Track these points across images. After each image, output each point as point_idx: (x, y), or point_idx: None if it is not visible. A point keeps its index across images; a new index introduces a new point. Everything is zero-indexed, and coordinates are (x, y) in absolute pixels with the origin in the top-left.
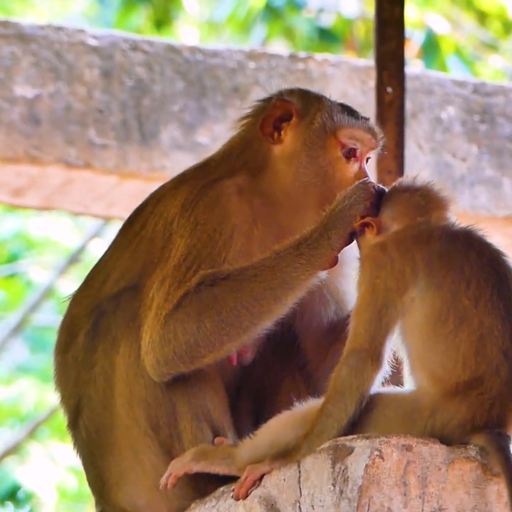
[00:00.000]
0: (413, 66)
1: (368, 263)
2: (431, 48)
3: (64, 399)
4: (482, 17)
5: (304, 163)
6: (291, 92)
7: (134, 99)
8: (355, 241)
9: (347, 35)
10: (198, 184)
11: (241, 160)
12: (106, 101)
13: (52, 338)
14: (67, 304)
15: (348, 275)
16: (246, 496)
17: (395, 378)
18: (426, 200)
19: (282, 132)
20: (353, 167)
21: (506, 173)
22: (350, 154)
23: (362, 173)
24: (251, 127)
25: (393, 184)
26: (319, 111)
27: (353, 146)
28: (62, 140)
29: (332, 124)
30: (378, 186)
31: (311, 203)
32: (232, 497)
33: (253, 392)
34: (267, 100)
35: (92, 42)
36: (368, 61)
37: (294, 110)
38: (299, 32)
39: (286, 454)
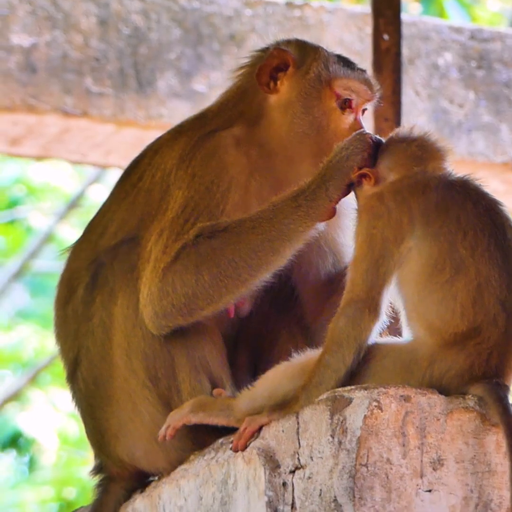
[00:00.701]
0: (412, 9)
1: (365, 213)
2: None
3: (64, 352)
4: None
5: (299, 113)
6: (288, 42)
7: (131, 47)
8: (352, 193)
9: None
10: (195, 135)
11: (237, 110)
12: (103, 49)
13: (52, 283)
14: (66, 257)
15: (345, 226)
16: (244, 447)
17: (393, 328)
18: (422, 150)
19: (278, 82)
20: (348, 118)
21: (503, 119)
22: (346, 105)
23: (357, 124)
24: (247, 77)
25: (390, 134)
26: (315, 61)
27: (348, 97)
28: (59, 88)
29: (328, 74)
30: (375, 137)
31: (306, 153)
32: (231, 448)
33: (251, 344)
34: (264, 50)
35: None
36: (365, 7)
37: (290, 59)
38: None
39: (284, 406)
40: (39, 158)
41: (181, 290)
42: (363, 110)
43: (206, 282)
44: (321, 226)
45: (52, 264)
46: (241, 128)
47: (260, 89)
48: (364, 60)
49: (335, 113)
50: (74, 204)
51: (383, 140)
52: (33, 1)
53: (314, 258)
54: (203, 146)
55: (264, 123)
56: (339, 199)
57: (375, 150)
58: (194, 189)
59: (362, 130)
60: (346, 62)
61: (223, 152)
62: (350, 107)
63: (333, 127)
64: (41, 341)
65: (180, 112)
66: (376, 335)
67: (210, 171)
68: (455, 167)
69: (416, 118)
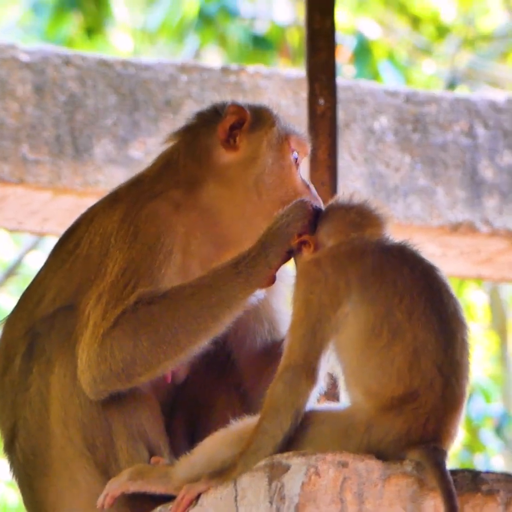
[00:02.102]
0: (346, 72)
1: (303, 279)
2: (362, 54)
3: (1, 422)
4: (415, 21)
5: (266, 168)
6: (233, 102)
7: (67, 114)
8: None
9: (281, 42)
10: (135, 200)
11: (181, 172)
12: (39, 116)
13: None
14: (2, 327)
15: (280, 293)
16: None
17: (331, 393)
18: (361, 217)
19: (237, 139)
20: (298, 173)
21: (439, 182)
22: (296, 161)
23: (304, 181)
24: (191, 138)
25: (330, 201)
26: (273, 117)
27: (297, 153)
28: None
29: (284, 130)
30: (315, 205)
31: (265, 210)
32: None
33: (188, 410)
34: (206, 112)
35: (24, 57)
36: (300, 72)
37: (247, 116)
38: (233, 39)
39: (222, 472)
40: None
41: (119, 355)
42: None
43: (145, 348)
44: (260, 293)
45: None
46: (181, 191)
47: (211, 148)
48: (300, 124)
49: (293, 168)
50: (11, 272)
51: (323, 207)
52: None
53: (250, 324)
54: (145, 210)
55: (211, 182)
56: (279, 266)
57: (315, 217)
58: (136, 250)
59: (303, 198)
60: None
61: (165, 214)
62: (296, 163)
63: (292, 181)
64: None
65: (117, 178)
66: (313, 401)
67: (152, 233)
68: (392, 231)
69: (352, 182)
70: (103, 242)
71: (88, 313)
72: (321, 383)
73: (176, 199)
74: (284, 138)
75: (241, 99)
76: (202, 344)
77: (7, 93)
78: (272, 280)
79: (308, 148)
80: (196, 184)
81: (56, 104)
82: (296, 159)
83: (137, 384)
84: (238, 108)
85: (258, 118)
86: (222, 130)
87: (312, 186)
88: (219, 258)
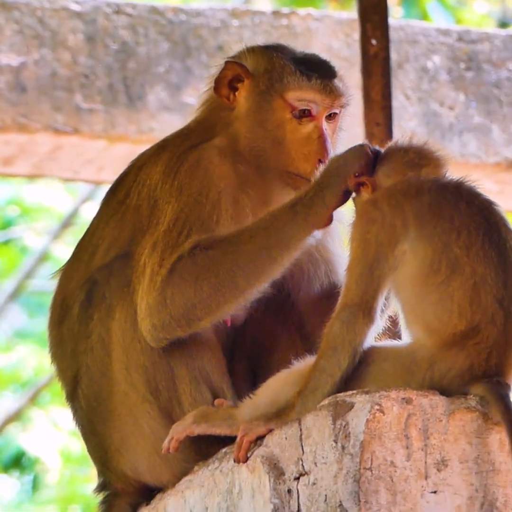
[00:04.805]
0: (394, 13)
1: (359, 219)
2: None
3: (61, 372)
4: None
5: (254, 125)
6: (251, 50)
7: (119, 63)
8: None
9: None
10: (177, 149)
11: (212, 123)
12: (91, 65)
13: (49, 302)
14: (57, 279)
15: (337, 235)
16: (246, 459)
17: (394, 331)
18: (420, 158)
19: (237, 94)
20: (307, 127)
21: (494, 119)
22: (304, 114)
23: (317, 131)
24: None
25: (389, 143)
26: (266, 73)
27: (306, 107)
28: (49, 106)
29: (280, 86)
30: (374, 148)
31: (272, 165)
32: (234, 460)
33: (249, 352)
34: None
35: (75, 7)
36: (352, 14)
37: (243, 72)
38: None
39: (280, 413)
40: (31, 176)
41: (179, 301)
42: (333, 115)
43: (205, 293)
44: (318, 234)
45: (48, 283)
46: (222, 139)
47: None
48: (352, 65)
49: (291, 123)
50: (68, 222)
51: (382, 150)
52: (20, 20)
53: (306, 266)
54: (187, 159)
55: (234, 134)
56: (336, 207)
57: (374, 160)
58: (183, 202)
59: (362, 143)
60: (307, 69)
61: (207, 163)
62: (310, 115)
63: (289, 137)
64: (40, 360)
65: (171, 125)
66: (371, 339)
67: (197, 182)
68: (448, 169)
69: (407, 122)
70: (150, 194)
71: (144, 261)
72: (379, 322)
73: (218, 145)
74: (278, 94)
75: (292, 43)
76: (262, 286)
77: (59, 44)
78: (329, 220)
79: (326, 98)
80: (228, 133)
81: (108, 53)
82: (307, 112)
83: (197, 330)
84: (232, 65)
85: (257, 72)
86: (218, 86)
87: (328, 138)
88: (270, 203)
